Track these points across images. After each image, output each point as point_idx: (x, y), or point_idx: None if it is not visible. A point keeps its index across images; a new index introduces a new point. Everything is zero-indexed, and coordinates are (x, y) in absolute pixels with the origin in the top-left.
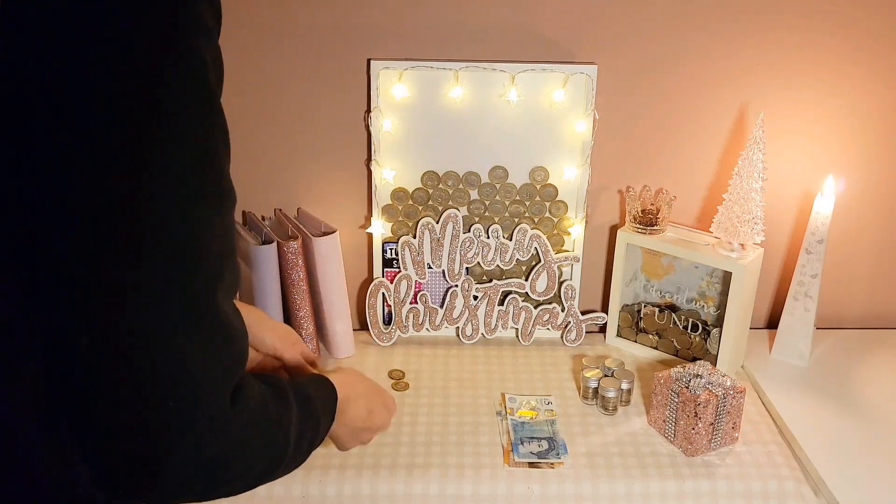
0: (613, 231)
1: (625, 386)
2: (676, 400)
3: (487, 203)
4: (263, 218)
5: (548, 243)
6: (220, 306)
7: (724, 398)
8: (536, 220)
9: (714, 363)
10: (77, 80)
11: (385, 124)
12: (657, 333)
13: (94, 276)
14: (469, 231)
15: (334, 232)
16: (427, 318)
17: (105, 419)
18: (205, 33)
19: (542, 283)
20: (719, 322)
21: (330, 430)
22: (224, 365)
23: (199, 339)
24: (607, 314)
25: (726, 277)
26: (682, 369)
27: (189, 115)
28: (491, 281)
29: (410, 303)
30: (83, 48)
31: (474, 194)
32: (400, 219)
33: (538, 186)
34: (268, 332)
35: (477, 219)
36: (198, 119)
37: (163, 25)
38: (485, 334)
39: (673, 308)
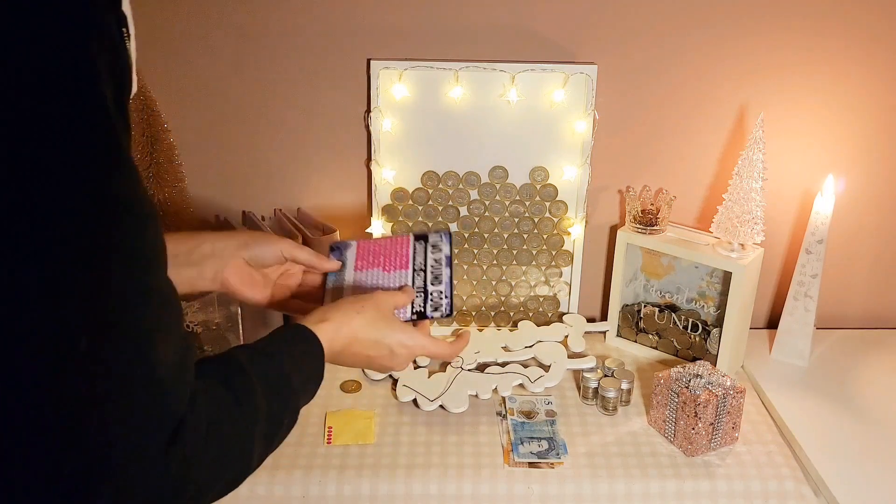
0: (613, 231)
1: (625, 386)
2: (676, 400)
3: (487, 203)
4: (263, 218)
5: None
6: (125, 353)
7: (724, 398)
8: (536, 220)
9: (714, 363)
10: None
11: (385, 124)
12: (657, 333)
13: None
14: None
15: (334, 232)
16: None
17: (20, 478)
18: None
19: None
20: (719, 322)
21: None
22: (142, 420)
23: (98, 392)
24: (607, 313)
25: (726, 277)
26: (682, 369)
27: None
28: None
29: None
30: None
31: (474, 194)
32: (400, 219)
33: (538, 186)
34: (267, 247)
35: (477, 219)
36: (71, 121)
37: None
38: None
39: (673, 308)
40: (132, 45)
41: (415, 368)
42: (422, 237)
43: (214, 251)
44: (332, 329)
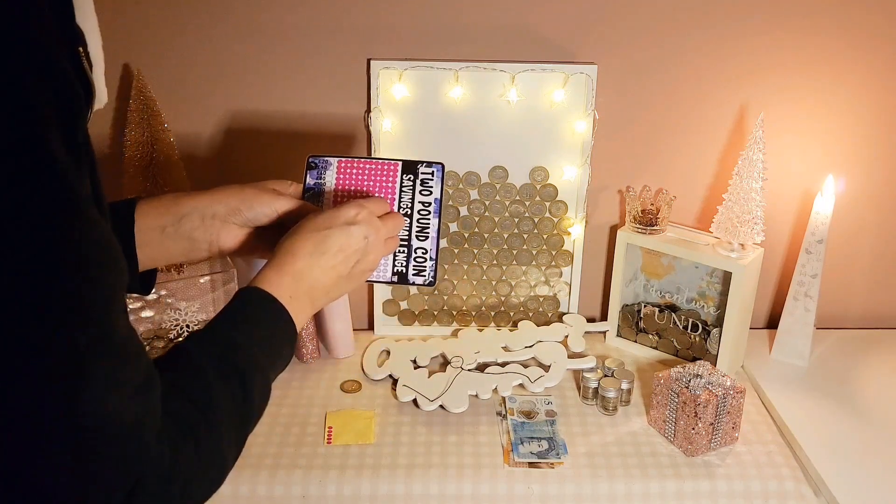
0: (613, 231)
1: (625, 386)
2: (676, 400)
3: (487, 203)
4: None
5: None
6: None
7: (724, 398)
8: (536, 220)
9: (714, 363)
10: None
11: (385, 124)
12: (657, 333)
13: None
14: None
15: None
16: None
17: None
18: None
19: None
20: (719, 322)
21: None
22: (99, 468)
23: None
24: (607, 313)
25: (726, 277)
26: (682, 369)
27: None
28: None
29: None
30: None
31: (474, 194)
32: None
33: (538, 186)
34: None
35: (477, 219)
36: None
37: None
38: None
39: (673, 308)
40: (97, 55)
41: (415, 369)
42: (411, 169)
43: (204, 221)
44: (272, 269)
